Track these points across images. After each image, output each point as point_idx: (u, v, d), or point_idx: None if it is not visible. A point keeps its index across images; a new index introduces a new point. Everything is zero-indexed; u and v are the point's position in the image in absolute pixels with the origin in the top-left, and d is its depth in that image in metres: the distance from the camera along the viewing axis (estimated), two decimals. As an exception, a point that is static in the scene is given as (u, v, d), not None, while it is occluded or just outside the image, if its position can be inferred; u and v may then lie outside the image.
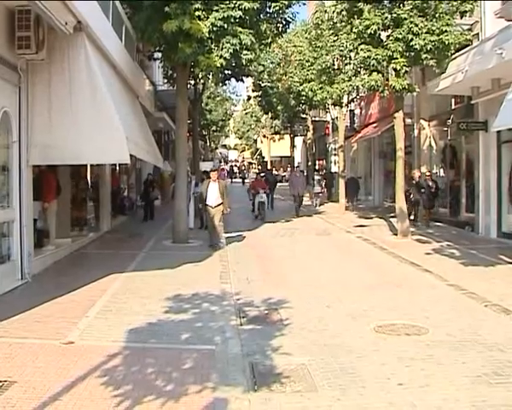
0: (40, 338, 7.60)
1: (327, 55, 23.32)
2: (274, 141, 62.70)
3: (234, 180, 60.19)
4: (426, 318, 9.04)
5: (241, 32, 15.44)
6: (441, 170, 23.29)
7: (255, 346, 7.71)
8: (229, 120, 67.13)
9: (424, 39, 16.20)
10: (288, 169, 50.58)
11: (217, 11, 15.07)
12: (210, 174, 17.46)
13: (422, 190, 20.96)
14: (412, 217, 20.86)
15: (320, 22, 25.45)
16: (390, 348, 7.62)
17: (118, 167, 23.87)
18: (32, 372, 6.36)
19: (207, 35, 15.05)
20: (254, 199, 25.66)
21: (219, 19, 14.98)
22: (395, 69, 17.40)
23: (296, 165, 42.84)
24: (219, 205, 16.48)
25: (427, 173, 21.35)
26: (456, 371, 6.65)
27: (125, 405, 5.56)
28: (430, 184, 20.95)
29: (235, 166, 78.00)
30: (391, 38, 16.87)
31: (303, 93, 28.80)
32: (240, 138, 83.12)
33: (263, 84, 40.26)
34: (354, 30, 17.30)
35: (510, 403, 5.74)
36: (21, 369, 6.46)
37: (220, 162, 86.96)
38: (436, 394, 6.02)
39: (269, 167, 53.89)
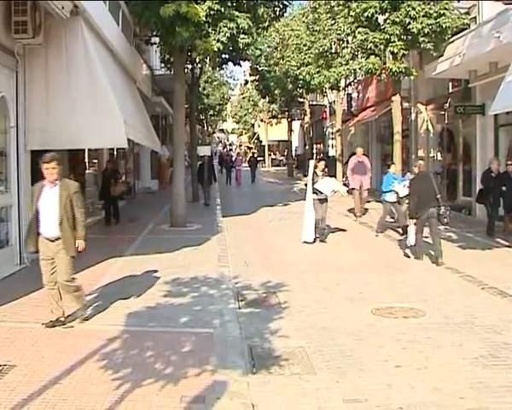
0: (39, 322, 7.61)
1: (324, 38, 23.22)
2: (271, 125, 62.46)
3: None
4: (423, 300, 9.09)
5: (237, 16, 15.40)
6: (438, 154, 23.27)
7: (254, 329, 7.76)
8: (226, 104, 66.79)
9: (421, 23, 16.19)
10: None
11: (214, -6, 15.00)
12: (42, 167, 7.31)
13: (503, 188, 14.51)
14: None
15: (317, 6, 25.38)
16: (388, 330, 7.67)
17: (116, 152, 23.81)
18: (32, 356, 6.40)
19: (204, 19, 14.97)
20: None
21: (216, 2, 14.91)
22: (392, 53, 17.39)
23: (294, 148, 42.69)
24: (59, 239, 7.34)
25: (509, 162, 15.13)
26: (454, 354, 6.70)
27: (124, 388, 5.59)
28: None
29: (230, 150, 77.16)
30: (388, 21, 16.85)
31: (300, 77, 28.76)
32: (237, 123, 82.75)
33: (260, 69, 40.08)
34: (351, 13, 17.28)
35: (507, 384, 5.80)
36: (21, 353, 6.49)
37: (230, 145, 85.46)
38: (434, 376, 6.07)
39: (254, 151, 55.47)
